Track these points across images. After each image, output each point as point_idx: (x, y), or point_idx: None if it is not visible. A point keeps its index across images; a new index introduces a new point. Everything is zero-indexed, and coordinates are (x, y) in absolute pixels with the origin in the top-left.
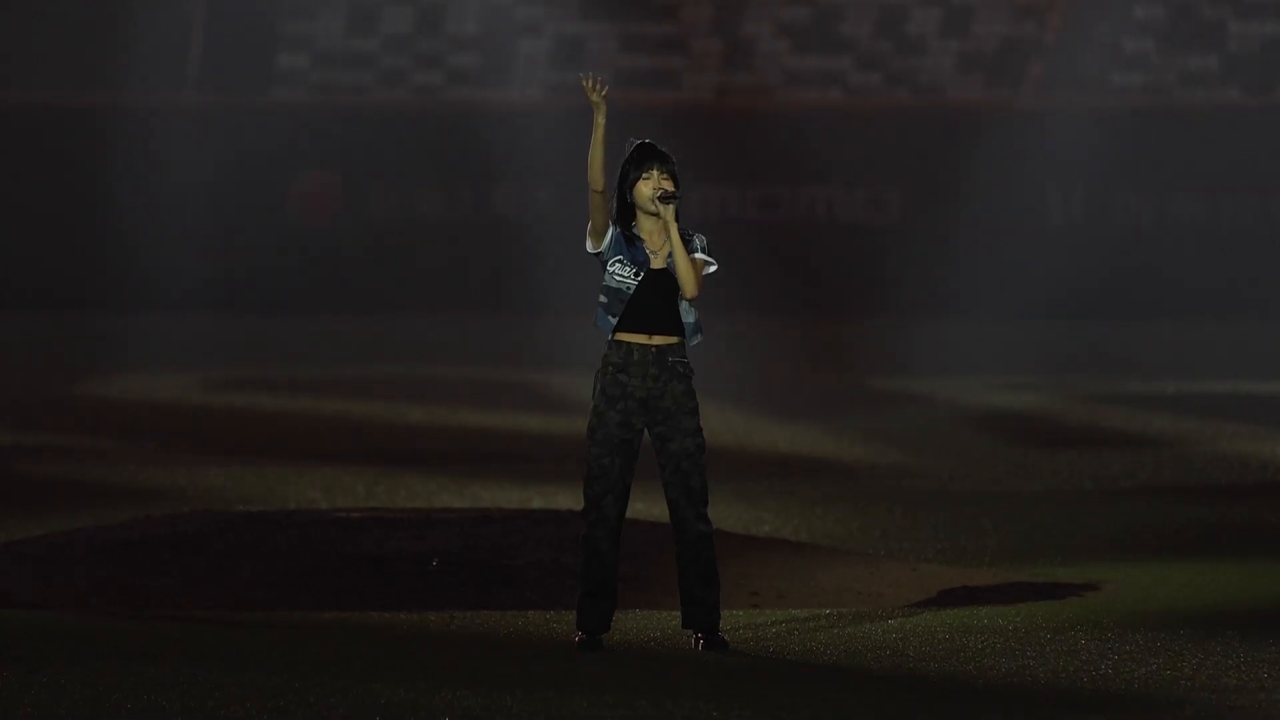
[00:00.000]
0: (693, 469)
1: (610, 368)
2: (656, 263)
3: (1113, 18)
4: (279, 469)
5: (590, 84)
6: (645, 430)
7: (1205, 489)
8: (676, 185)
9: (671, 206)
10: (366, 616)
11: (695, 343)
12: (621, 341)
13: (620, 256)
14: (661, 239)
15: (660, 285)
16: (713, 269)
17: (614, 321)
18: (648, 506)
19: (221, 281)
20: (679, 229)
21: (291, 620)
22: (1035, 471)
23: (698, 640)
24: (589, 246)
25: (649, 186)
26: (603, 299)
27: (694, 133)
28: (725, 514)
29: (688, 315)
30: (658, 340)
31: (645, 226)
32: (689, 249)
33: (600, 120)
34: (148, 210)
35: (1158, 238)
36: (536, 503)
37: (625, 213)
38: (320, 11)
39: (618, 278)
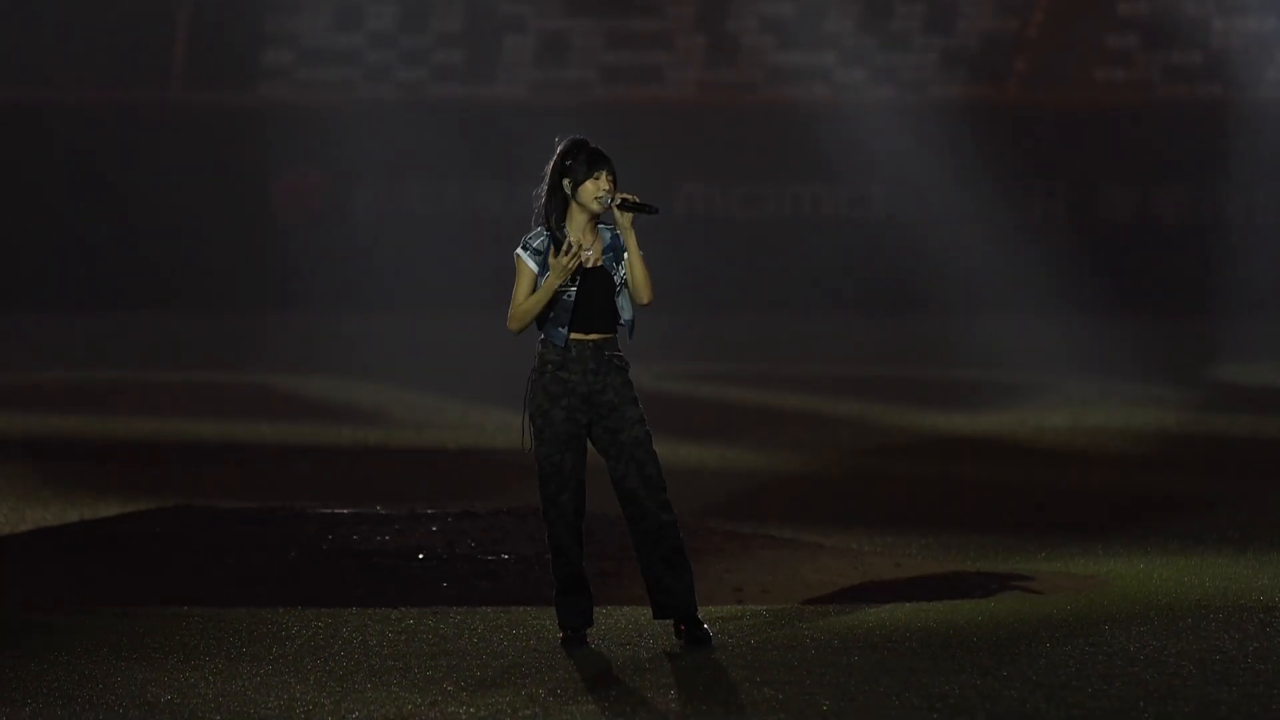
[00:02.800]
0: (647, 457)
1: (549, 366)
2: (590, 261)
3: (1096, 13)
4: (264, 467)
5: (571, 253)
6: (589, 427)
7: (1197, 481)
8: (615, 187)
9: (630, 215)
10: (349, 612)
11: (634, 335)
12: (560, 345)
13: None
14: (592, 236)
15: (597, 284)
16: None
17: (566, 332)
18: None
19: (207, 278)
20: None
21: (275, 616)
22: (1019, 466)
23: (680, 630)
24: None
25: (597, 187)
26: (550, 313)
27: (678, 129)
28: (707, 508)
29: (625, 313)
30: (594, 336)
31: (577, 223)
32: (622, 246)
33: (558, 283)
34: (133, 207)
35: (1141, 233)
36: (519, 499)
37: (560, 209)
38: (305, 8)
39: (558, 290)
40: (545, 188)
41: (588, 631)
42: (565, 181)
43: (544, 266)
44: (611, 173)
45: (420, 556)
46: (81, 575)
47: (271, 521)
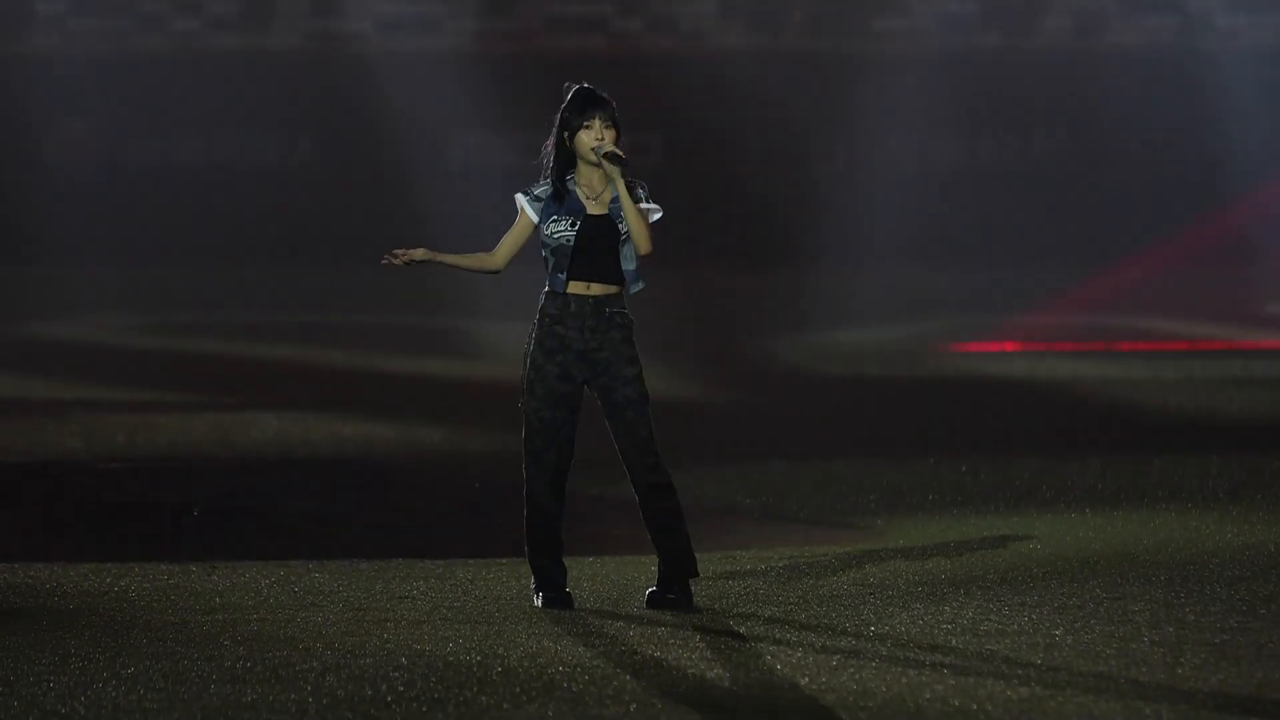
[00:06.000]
0: (638, 418)
1: (547, 319)
2: (595, 208)
3: None
4: (37, 418)
5: (394, 262)
6: (586, 384)
7: (970, 431)
8: (619, 132)
9: (618, 170)
10: (126, 567)
11: (637, 290)
12: (560, 292)
13: (554, 215)
14: (603, 185)
15: (599, 231)
16: (657, 216)
17: (564, 278)
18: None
19: None
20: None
21: (50, 571)
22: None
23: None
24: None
25: (591, 137)
26: (550, 260)
27: (457, 79)
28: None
29: (628, 263)
30: (596, 290)
31: (584, 174)
32: (635, 197)
33: (431, 257)
34: None
35: (919, 182)
36: (300, 452)
37: (565, 162)
38: None
39: (557, 235)
40: (551, 139)
41: (568, 591)
42: (565, 134)
43: (544, 214)
44: (609, 117)
45: (196, 511)
46: None
47: (43, 475)
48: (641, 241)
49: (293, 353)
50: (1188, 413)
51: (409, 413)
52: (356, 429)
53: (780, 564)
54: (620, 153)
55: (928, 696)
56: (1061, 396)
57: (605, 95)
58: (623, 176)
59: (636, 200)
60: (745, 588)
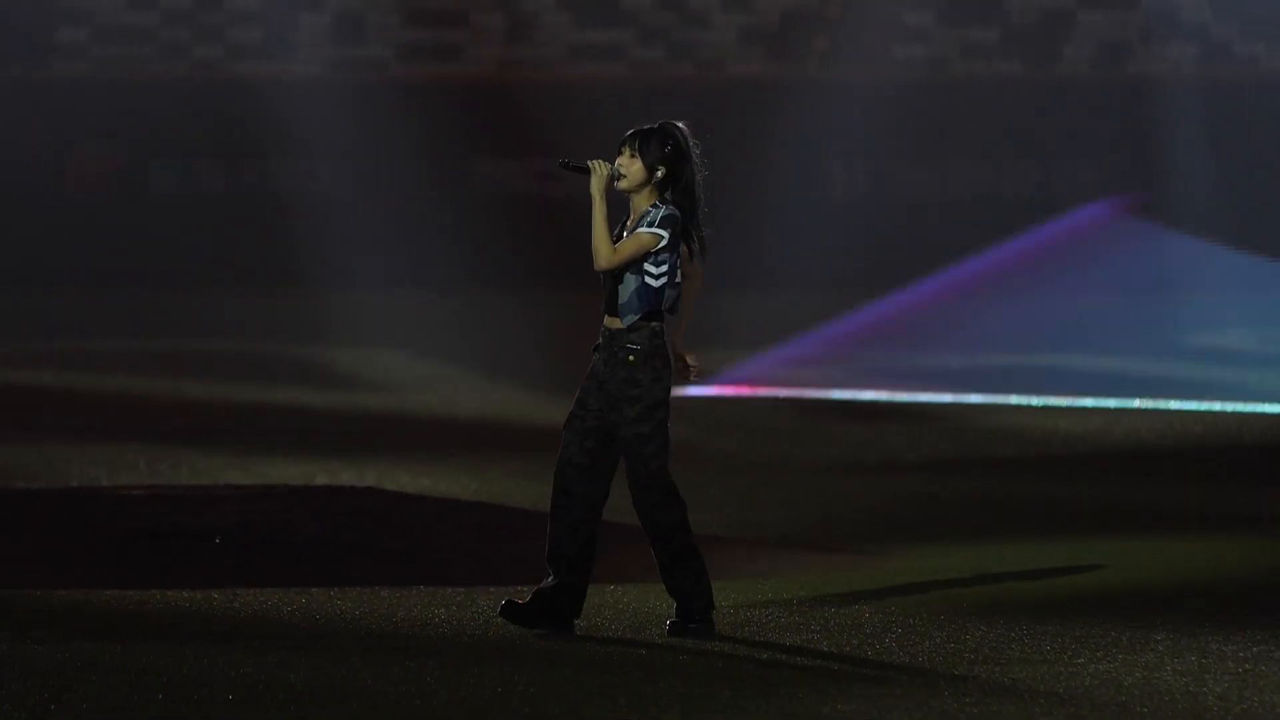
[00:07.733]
0: (635, 458)
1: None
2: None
3: None
4: (60, 445)
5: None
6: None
7: (986, 462)
8: (647, 161)
9: (594, 178)
10: (147, 594)
11: (628, 321)
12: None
13: None
14: (636, 215)
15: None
16: (660, 243)
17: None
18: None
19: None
20: (660, 198)
21: (73, 598)
22: (816, 446)
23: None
24: None
25: (617, 166)
26: None
27: (476, 107)
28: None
29: (625, 294)
30: (614, 323)
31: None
32: (641, 223)
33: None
34: None
35: (939, 211)
36: (319, 479)
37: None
38: None
39: None
40: None
41: (530, 616)
42: None
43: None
44: (636, 148)
45: (218, 538)
46: None
47: (68, 502)
48: (595, 253)
49: (315, 389)
50: (1205, 441)
51: (430, 442)
52: (378, 457)
53: (802, 592)
54: (573, 162)
55: None
56: (1071, 427)
57: (653, 127)
58: (661, 198)
59: (640, 225)
60: (767, 616)
